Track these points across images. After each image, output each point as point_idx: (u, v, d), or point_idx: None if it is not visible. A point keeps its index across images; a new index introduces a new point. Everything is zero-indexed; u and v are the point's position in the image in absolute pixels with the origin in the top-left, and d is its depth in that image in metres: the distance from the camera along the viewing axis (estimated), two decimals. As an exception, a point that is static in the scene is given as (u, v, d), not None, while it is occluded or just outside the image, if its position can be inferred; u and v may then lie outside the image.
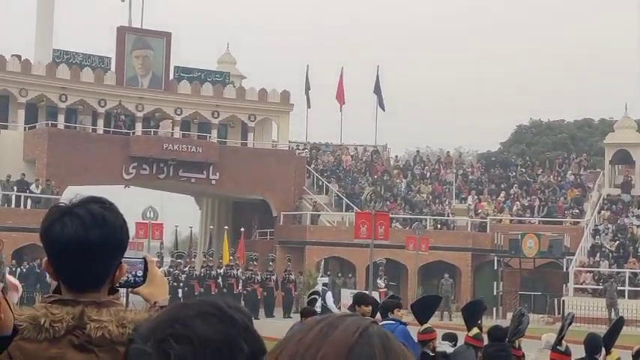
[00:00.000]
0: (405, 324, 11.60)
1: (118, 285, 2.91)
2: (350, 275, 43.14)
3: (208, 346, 1.53)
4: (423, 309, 11.53)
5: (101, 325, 2.71)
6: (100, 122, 46.44)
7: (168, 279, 37.01)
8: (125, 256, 2.93)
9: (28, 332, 2.66)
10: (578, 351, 11.16)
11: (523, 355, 11.98)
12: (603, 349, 9.72)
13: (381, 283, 39.46)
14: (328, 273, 40.96)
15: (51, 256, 2.78)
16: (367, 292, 20.24)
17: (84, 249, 2.71)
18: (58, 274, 2.79)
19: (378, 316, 11.94)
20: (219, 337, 1.55)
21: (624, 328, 12.42)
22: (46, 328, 2.67)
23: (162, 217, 40.20)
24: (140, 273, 3.00)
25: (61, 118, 45.76)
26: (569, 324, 9.56)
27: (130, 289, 3.06)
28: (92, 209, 2.76)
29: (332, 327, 1.28)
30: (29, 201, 40.85)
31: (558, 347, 9.20)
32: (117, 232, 2.78)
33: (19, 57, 45.80)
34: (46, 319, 2.68)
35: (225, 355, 1.54)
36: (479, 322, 11.60)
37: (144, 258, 3.06)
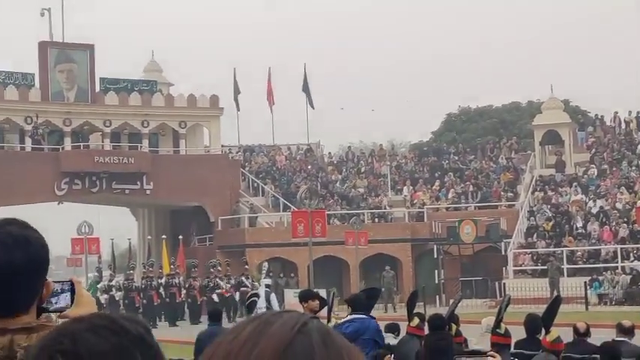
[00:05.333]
0: (374, 317, 11.47)
1: (45, 309, 2.84)
2: (292, 275, 43.11)
3: (98, 358, 1.47)
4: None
5: None
6: (28, 140, 45.78)
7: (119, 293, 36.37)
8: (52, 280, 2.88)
9: None
10: (521, 332, 11.27)
11: (465, 341, 12.08)
12: (543, 329, 9.82)
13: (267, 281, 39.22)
14: (270, 274, 40.82)
15: None
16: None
17: (9, 273, 2.62)
18: None
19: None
20: (110, 348, 1.48)
21: (565, 305, 12.62)
22: None
23: (99, 231, 39.83)
24: (68, 296, 2.95)
25: (-13, 138, 45.02)
26: (507, 306, 9.64)
27: (58, 315, 3.00)
28: (11, 231, 2.67)
29: (268, 324, 1.23)
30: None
31: (497, 330, 9.27)
32: (40, 251, 2.69)
33: (-61, 79, 44.94)
34: None
35: None
36: (412, 312, 11.64)
37: (70, 280, 3.01)
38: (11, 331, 2.65)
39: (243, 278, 39.52)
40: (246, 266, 40.56)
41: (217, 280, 39.29)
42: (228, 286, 39.21)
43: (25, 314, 2.71)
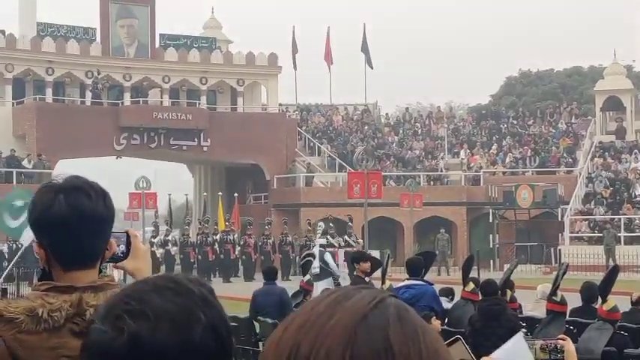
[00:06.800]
0: (432, 284, 11.40)
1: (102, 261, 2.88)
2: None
3: (163, 318, 1.52)
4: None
5: None
6: (88, 94, 46.23)
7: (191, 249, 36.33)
8: None
9: (26, 325, 2.58)
10: (575, 299, 11.17)
11: (520, 307, 12.02)
12: (599, 297, 9.72)
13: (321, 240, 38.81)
14: (328, 232, 40.74)
15: (50, 237, 2.71)
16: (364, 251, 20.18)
17: (94, 221, 2.69)
18: (56, 255, 2.72)
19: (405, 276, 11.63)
20: (175, 308, 1.53)
21: (621, 274, 12.48)
22: (45, 319, 2.60)
23: (156, 187, 40.19)
24: (123, 247, 2.98)
25: (48, 91, 45.49)
26: (564, 274, 9.55)
27: (113, 264, 3.04)
28: (90, 183, 2.74)
29: (346, 297, 1.25)
30: (22, 176, 40.68)
31: (554, 297, 9.19)
32: (112, 204, 2.77)
33: (3, 32, 45.43)
34: (44, 309, 2.61)
35: (182, 326, 1.52)
36: (468, 276, 11.60)
37: (126, 232, 3.03)
38: (79, 289, 2.69)
39: (287, 238, 39.60)
40: (286, 228, 40.41)
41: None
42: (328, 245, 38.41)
43: (92, 269, 2.75)
